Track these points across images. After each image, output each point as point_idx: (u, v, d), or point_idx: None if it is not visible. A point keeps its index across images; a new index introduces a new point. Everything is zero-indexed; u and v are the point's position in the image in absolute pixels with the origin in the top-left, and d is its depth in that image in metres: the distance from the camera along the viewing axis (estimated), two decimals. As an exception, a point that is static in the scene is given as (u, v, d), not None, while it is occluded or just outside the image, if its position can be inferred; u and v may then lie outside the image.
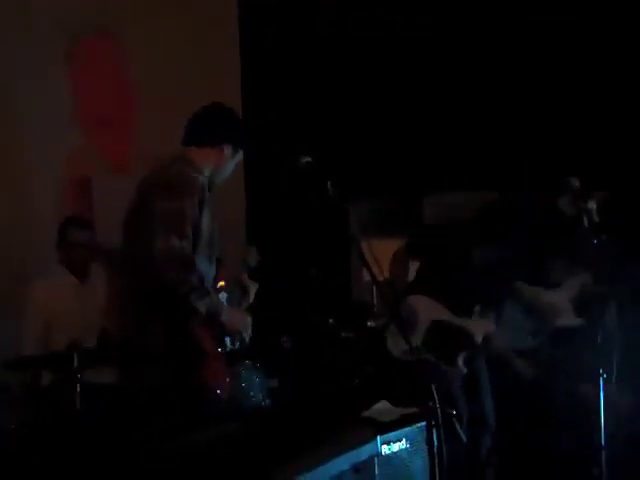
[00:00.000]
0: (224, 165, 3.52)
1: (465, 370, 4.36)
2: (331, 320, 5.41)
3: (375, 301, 5.71)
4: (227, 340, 3.34)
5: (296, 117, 6.29)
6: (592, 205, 4.19)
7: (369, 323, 5.24)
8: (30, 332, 4.59)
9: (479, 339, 4.49)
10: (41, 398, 4.17)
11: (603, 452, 4.13)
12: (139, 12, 5.86)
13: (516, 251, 4.88)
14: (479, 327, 4.52)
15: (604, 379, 4.00)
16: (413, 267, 4.83)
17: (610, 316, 4.49)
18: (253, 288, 3.67)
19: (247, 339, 3.42)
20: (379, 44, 6.19)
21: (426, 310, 4.50)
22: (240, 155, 3.58)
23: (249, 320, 3.42)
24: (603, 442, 4.10)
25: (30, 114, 5.29)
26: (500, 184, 5.84)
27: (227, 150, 3.49)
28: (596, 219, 4.18)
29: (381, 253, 4.92)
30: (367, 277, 5.89)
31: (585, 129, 5.43)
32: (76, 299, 4.66)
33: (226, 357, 3.39)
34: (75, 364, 3.91)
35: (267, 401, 4.12)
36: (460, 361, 4.37)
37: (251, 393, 4.08)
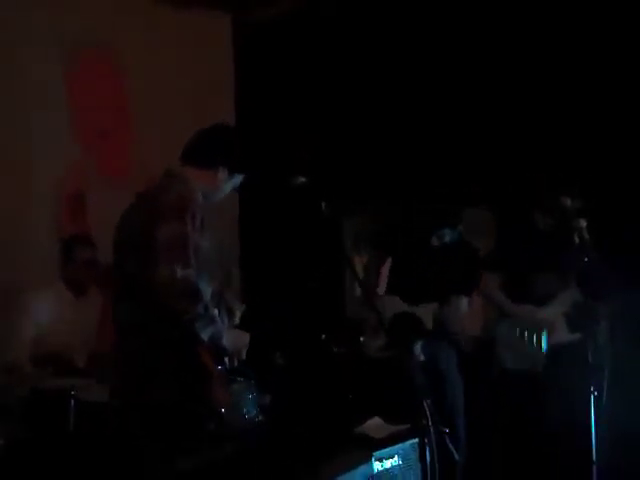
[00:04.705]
0: (218, 188, 3.51)
1: (422, 357, 4.41)
2: (324, 335, 5.44)
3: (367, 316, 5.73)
4: (226, 360, 3.35)
5: (291, 133, 6.32)
6: (582, 223, 4.23)
7: (362, 338, 5.25)
8: (19, 344, 4.61)
9: (428, 324, 4.58)
10: (33, 415, 4.16)
11: (594, 467, 4.16)
12: (138, 27, 5.88)
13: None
14: (427, 312, 4.61)
15: (595, 397, 4.03)
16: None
17: (601, 333, 4.52)
18: (239, 309, 3.66)
19: (244, 357, 3.45)
20: (371, 58, 6.22)
21: (391, 307, 4.66)
22: (237, 179, 3.56)
23: (247, 339, 3.45)
24: (594, 457, 4.14)
25: (28, 127, 5.31)
26: (492, 198, 5.91)
27: (222, 173, 3.47)
28: (586, 237, 4.21)
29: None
30: (359, 292, 5.96)
31: (577, 146, 5.46)
32: (70, 315, 4.68)
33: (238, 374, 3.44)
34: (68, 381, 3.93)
35: (260, 418, 4.12)
36: (417, 349, 4.42)
37: (244, 410, 4.09)
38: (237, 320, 3.60)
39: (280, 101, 6.44)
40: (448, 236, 4.79)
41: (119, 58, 5.85)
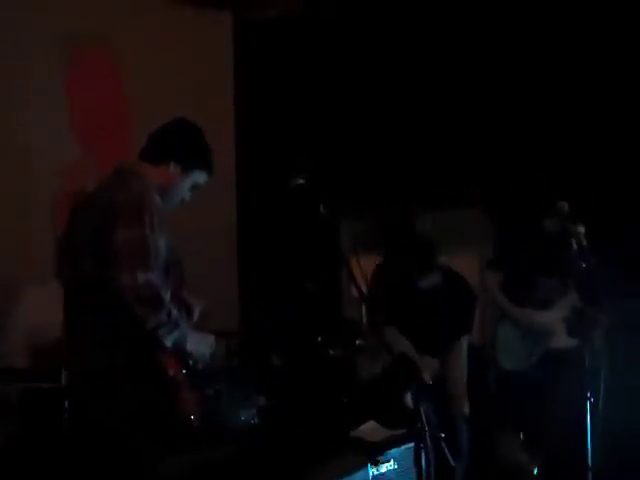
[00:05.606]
0: (173, 186, 3.36)
1: (411, 406, 4.34)
2: (320, 338, 5.42)
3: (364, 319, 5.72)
4: (190, 363, 3.23)
5: (290, 135, 6.31)
6: (580, 229, 4.22)
7: (358, 342, 5.23)
8: (16, 340, 4.60)
9: (427, 378, 4.52)
10: (27, 414, 4.15)
11: (590, 473, 4.15)
12: (138, 26, 5.87)
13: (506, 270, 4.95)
14: (428, 366, 4.56)
15: (591, 402, 4.03)
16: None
17: (598, 339, 4.52)
18: (197, 307, 3.56)
19: (209, 359, 3.33)
20: (372, 59, 6.22)
21: (393, 341, 4.53)
22: (195, 178, 3.41)
23: (212, 340, 3.35)
24: (590, 463, 4.14)
25: (28, 127, 5.30)
26: (489, 203, 5.91)
27: (173, 169, 3.34)
28: (584, 242, 4.20)
29: (371, 270, 5.00)
30: (356, 294, 5.95)
31: (576, 151, 5.46)
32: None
33: (208, 377, 3.36)
34: (63, 381, 3.91)
35: (256, 420, 4.11)
36: (408, 397, 4.36)
37: (240, 411, 4.08)
38: (195, 318, 3.49)
39: (280, 101, 6.43)
40: (434, 279, 4.70)
41: (119, 57, 5.83)
